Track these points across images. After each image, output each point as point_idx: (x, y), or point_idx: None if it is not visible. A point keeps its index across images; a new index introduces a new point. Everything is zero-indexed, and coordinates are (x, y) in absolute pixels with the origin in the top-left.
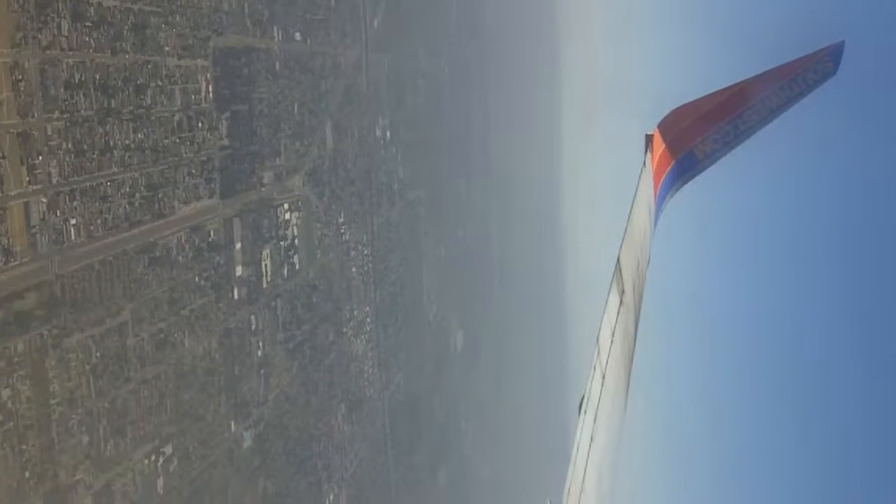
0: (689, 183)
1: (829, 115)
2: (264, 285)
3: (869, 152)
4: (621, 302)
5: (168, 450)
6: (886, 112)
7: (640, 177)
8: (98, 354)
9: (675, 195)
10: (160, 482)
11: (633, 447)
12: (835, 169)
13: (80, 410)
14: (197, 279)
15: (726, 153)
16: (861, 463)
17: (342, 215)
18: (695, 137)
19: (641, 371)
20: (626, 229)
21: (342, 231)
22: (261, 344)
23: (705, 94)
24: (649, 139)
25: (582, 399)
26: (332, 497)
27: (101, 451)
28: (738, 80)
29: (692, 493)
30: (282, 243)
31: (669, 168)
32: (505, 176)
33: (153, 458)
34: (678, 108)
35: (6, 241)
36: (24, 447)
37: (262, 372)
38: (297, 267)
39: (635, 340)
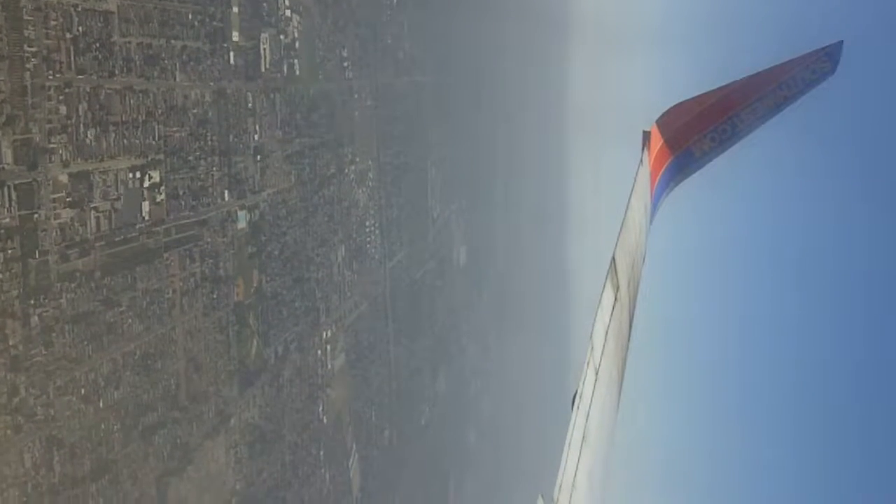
0: (685, 182)
1: (827, 114)
2: (262, 69)
3: (868, 151)
4: (616, 299)
5: (155, 177)
6: (886, 112)
7: (636, 173)
8: (80, 29)
9: (671, 192)
10: (146, 206)
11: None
12: (834, 169)
13: (56, 75)
14: (190, 16)
15: (723, 151)
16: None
17: (345, 50)
18: (692, 135)
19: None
20: (621, 226)
21: (345, 66)
22: (257, 128)
23: (703, 91)
24: (647, 136)
25: (575, 394)
26: (328, 333)
27: (81, 135)
28: (736, 79)
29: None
30: (282, 37)
31: (666, 165)
32: (514, 102)
33: (138, 175)
34: (676, 106)
35: None
36: None
37: (258, 158)
38: (298, 73)
39: (629, 338)
